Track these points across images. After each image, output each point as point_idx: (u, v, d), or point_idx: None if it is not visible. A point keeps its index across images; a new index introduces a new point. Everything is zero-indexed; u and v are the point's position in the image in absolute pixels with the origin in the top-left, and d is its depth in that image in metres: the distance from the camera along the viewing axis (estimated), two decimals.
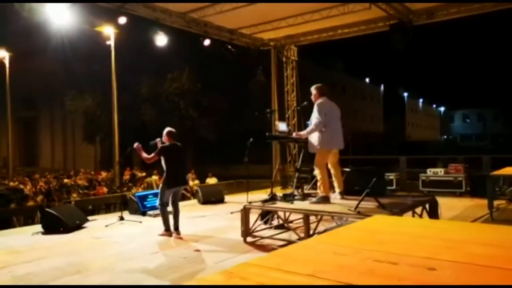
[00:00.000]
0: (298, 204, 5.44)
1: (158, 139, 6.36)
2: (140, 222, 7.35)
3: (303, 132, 5.69)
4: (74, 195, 14.05)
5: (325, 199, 5.42)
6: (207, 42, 11.53)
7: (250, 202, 5.69)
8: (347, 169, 6.31)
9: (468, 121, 76.70)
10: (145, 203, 8.19)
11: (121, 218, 7.39)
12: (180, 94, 23.78)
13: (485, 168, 9.81)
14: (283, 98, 14.08)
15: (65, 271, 4.56)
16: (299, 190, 6.32)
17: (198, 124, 23.83)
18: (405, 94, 66.29)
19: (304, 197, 6.09)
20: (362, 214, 4.50)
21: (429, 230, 2.32)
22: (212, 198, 9.53)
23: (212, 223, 7.18)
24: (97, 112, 25.66)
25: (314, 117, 5.51)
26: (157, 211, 7.89)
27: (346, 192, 5.94)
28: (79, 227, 6.90)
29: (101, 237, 6.28)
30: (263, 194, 10.19)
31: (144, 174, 21.63)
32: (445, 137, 74.73)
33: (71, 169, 25.26)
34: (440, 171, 9.96)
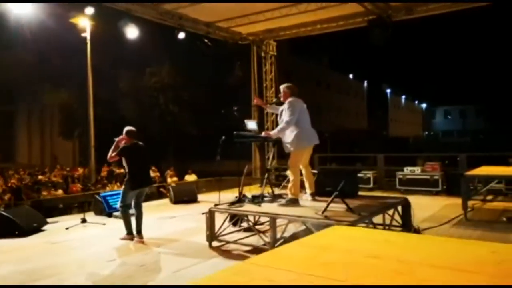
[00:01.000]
0: (265, 207, 5.17)
1: (121, 136, 6.00)
2: (104, 224, 6.98)
3: (273, 132, 5.42)
4: (45, 193, 13.51)
5: (294, 202, 5.17)
6: (181, 35, 11.13)
7: (216, 205, 5.38)
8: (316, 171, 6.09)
9: (450, 117, 77.75)
10: (111, 203, 7.81)
11: (83, 220, 7.01)
12: (160, 88, 23.24)
13: (462, 166, 9.71)
14: (262, 93, 13.79)
15: (9, 280, 4.20)
16: (270, 191, 6.05)
17: (179, 120, 23.34)
18: (388, 91, 66.74)
19: (274, 198, 5.83)
20: (329, 218, 4.25)
21: (385, 248, 2.07)
22: (184, 197, 9.19)
23: (180, 225, 6.86)
24: (73, 106, 24.90)
25: (286, 115, 5.24)
26: None
27: (318, 193, 5.71)
28: (37, 230, 6.50)
29: (59, 241, 5.90)
30: (233, 194, 9.92)
31: (122, 170, 21.10)
32: (426, 133, 75.71)
33: (48, 165, 24.52)
34: (417, 169, 9.83)
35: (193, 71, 21.62)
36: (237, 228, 5.90)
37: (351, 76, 54.47)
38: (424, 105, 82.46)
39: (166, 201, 9.72)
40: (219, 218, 5.39)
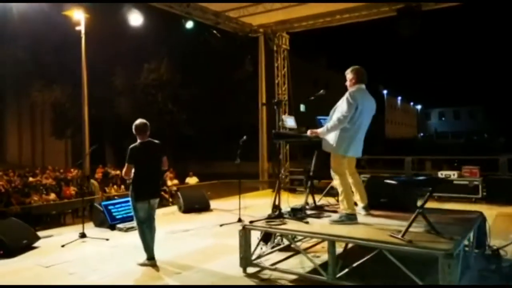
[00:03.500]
0: (316, 225, 4.14)
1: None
2: (107, 239, 5.89)
3: (321, 130, 4.36)
4: (36, 197, 12.33)
5: (351, 218, 4.14)
6: (189, 24, 10.07)
7: (252, 221, 4.33)
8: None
9: (444, 119, 77.69)
10: (114, 213, 6.72)
11: (83, 235, 5.91)
12: (158, 86, 22.06)
13: (503, 171, 8.78)
14: (272, 90, 12.77)
15: None
16: (309, 202, 5.03)
17: (177, 119, 22.16)
18: (385, 92, 66.30)
19: (318, 211, 4.81)
20: (415, 244, 3.23)
21: None
22: (195, 205, 8.12)
23: (198, 242, 5.78)
24: (66, 105, 23.65)
25: (341, 109, 4.19)
26: (129, 224, 6.51)
27: (370, 206, 4.72)
28: (26, 248, 5.39)
29: (54, 264, 4.80)
30: (256, 199, 8.89)
31: (118, 172, 19.92)
32: (422, 134, 75.46)
33: (40, 166, 23.26)
34: (453, 174, 8.87)
35: (194, 67, 20.52)
36: (270, 248, 4.86)
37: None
38: (419, 107, 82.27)
39: (173, 209, 8.62)
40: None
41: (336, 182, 4.22)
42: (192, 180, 17.35)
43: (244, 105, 18.52)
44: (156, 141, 4.84)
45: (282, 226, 4.14)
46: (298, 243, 5.07)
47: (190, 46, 17.78)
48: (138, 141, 4.74)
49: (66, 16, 18.33)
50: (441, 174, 9.00)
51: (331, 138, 4.20)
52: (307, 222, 4.21)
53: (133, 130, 4.75)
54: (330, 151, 4.26)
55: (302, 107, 31.65)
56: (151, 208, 4.79)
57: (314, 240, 5.16)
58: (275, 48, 12.23)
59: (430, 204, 4.20)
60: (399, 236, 3.41)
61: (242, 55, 12.46)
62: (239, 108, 20.00)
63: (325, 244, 5.18)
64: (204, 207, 8.20)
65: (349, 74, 4.40)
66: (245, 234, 4.22)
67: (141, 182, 4.64)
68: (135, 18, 9.50)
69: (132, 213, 4.78)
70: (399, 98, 71.97)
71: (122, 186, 17.02)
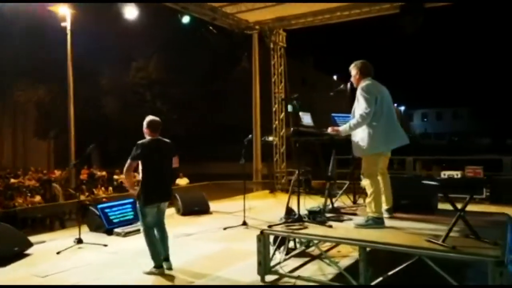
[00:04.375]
0: (340, 229, 3.85)
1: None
2: (105, 245, 5.49)
3: (343, 127, 4.08)
4: (20, 200, 11.72)
5: (378, 222, 3.87)
6: (186, 19, 9.70)
7: (270, 226, 4.01)
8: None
9: (426, 120, 78.91)
10: (111, 217, 6.31)
11: (79, 241, 5.49)
12: (147, 84, 21.48)
13: (506, 171, 8.69)
14: (268, 89, 12.48)
15: None
16: (324, 205, 4.74)
17: (168, 118, 21.59)
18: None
19: (336, 214, 4.53)
20: (460, 251, 2.97)
21: None
22: (195, 207, 7.76)
23: (203, 247, 5.43)
24: (51, 104, 22.83)
25: (360, 107, 3.94)
26: (128, 228, 6.14)
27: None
28: (18, 255, 4.96)
29: (51, 273, 4.39)
30: (254, 201, 8.59)
31: (104, 173, 19.30)
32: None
33: (21, 167, 22.39)
34: (456, 174, 8.73)
35: (186, 65, 20.05)
36: (285, 253, 4.55)
37: (335, 77, 53.98)
38: (402, 108, 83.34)
39: (171, 211, 8.19)
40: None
41: (365, 183, 3.94)
42: (182, 181, 16.91)
43: (238, 104, 18.20)
44: (167, 139, 4.48)
45: (304, 231, 3.84)
46: (311, 248, 4.84)
47: (181, 43, 17.37)
48: (148, 137, 4.38)
49: (51, 11, 17.67)
50: (444, 174, 8.86)
51: (361, 140, 3.93)
52: (330, 226, 3.92)
53: (145, 127, 4.38)
54: (363, 154, 3.98)
55: (290, 107, 31.49)
56: (161, 211, 4.44)
57: (328, 244, 4.91)
58: (271, 46, 11.95)
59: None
60: (439, 241, 3.15)
61: (238, 53, 12.08)
62: (233, 107, 19.65)
63: (341, 248, 4.96)
64: (204, 210, 7.84)
65: (352, 70, 4.21)
66: (264, 240, 3.90)
67: (152, 184, 4.27)
68: (124, 15, 9.11)
69: (139, 217, 4.39)
70: None
71: (110, 188, 16.48)
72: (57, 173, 19.84)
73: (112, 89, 22.15)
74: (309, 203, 4.72)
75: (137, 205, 4.36)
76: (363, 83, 4.04)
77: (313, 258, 4.66)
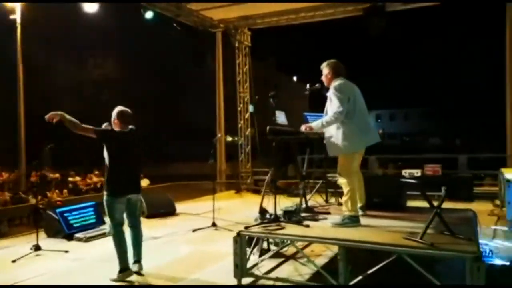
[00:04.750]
0: (317, 229, 3.83)
1: (104, 125, 4.34)
2: (66, 251, 5.15)
3: (316, 124, 4.08)
4: None
5: (354, 220, 3.88)
6: (149, 15, 9.38)
7: (246, 227, 3.91)
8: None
9: (380, 121, 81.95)
10: (71, 221, 5.95)
11: (37, 248, 5.11)
12: (105, 82, 20.63)
13: (462, 169, 9.12)
14: (234, 89, 12.37)
15: None
16: (299, 204, 4.71)
17: None
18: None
19: (311, 213, 4.52)
20: (437, 247, 3.02)
21: None
22: (160, 209, 7.50)
23: (173, 250, 5.24)
24: None
25: (333, 106, 3.95)
26: (90, 232, 5.82)
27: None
28: None
29: (8, 283, 4.04)
30: (221, 202, 8.47)
31: (57, 175, 18.29)
32: None
33: None
34: (416, 172, 9.03)
35: (146, 63, 19.46)
36: (259, 254, 4.47)
37: (295, 78, 54.78)
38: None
39: None
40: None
41: (342, 182, 3.94)
42: (142, 183, 16.34)
43: (201, 103, 17.92)
44: (134, 127, 4.27)
45: (282, 231, 3.77)
46: (284, 248, 4.79)
47: (142, 39, 16.83)
48: (116, 129, 4.16)
49: None
50: (405, 172, 9.13)
51: (337, 139, 3.93)
52: (307, 226, 3.88)
53: (115, 118, 4.18)
54: (339, 153, 3.97)
55: (251, 108, 31.50)
56: (133, 206, 4.21)
57: (300, 244, 4.89)
58: (236, 45, 11.85)
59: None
60: (417, 238, 3.19)
61: (202, 51, 11.86)
62: (196, 106, 19.31)
63: (314, 247, 4.95)
64: (170, 211, 7.61)
65: (324, 69, 4.20)
66: (240, 241, 3.79)
67: (119, 174, 4.05)
68: (82, 8, 8.69)
69: (106, 214, 4.14)
70: None
71: (65, 191, 15.65)
72: (5, 175, 18.58)
73: (66, 86, 21.08)
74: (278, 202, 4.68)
75: (104, 200, 4.10)
76: (336, 83, 4.04)
77: (287, 258, 4.62)
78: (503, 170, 7.43)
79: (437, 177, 8.30)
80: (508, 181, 5.80)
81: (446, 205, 5.66)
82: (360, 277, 3.30)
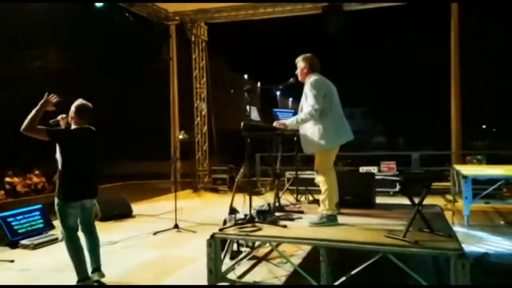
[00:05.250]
0: (296, 229, 3.68)
1: (61, 116, 3.90)
2: (12, 261, 4.60)
3: (290, 121, 3.94)
4: None
5: (332, 219, 3.79)
6: (99, 3, 8.76)
7: (221, 229, 3.67)
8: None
9: None
10: (15, 227, 5.35)
11: None
12: (46, 75, 19.13)
13: (415, 166, 9.48)
14: (189, 84, 11.97)
15: None
16: (273, 203, 4.54)
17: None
18: (278, 93, 69.23)
19: (285, 212, 4.38)
20: (422, 245, 2.99)
21: None
22: (115, 211, 7.01)
23: (134, 256, 4.86)
24: None
25: (308, 103, 3.82)
26: (38, 239, 5.29)
27: None
28: None
29: None
30: (179, 202, 8.21)
31: None
32: None
33: None
34: (373, 169, 9.26)
35: (93, 56, 18.29)
36: (233, 258, 4.26)
37: (246, 76, 54.84)
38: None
39: None
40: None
41: (319, 180, 3.82)
42: None
43: (152, 99, 17.24)
44: (93, 127, 3.87)
45: (260, 233, 3.59)
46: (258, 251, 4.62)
47: (88, 29, 15.75)
48: (74, 126, 3.74)
49: None
50: (363, 169, 9.33)
51: (313, 135, 3.81)
52: (285, 226, 3.73)
53: (73, 112, 3.75)
54: (315, 151, 3.85)
55: (203, 105, 30.96)
56: (87, 211, 3.82)
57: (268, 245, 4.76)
58: (192, 39, 11.46)
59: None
60: (400, 236, 3.15)
61: (155, 44, 11.34)
62: (146, 102, 18.57)
63: (285, 247, 4.82)
64: (125, 213, 7.14)
65: (300, 63, 4.06)
66: (215, 245, 3.55)
67: (74, 177, 3.65)
68: None
69: (59, 219, 3.71)
70: (291, 99, 76.06)
71: (2, 192, 14.33)
72: None
73: (1, 79, 19.33)
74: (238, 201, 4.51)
75: (56, 204, 3.68)
76: (311, 78, 3.92)
77: (259, 260, 4.45)
78: (456, 166, 7.81)
79: (394, 174, 8.56)
80: (464, 177, 6.04)
81: (400, 200, 5.84)
82: (343, 278, 3.20)
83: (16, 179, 14.98)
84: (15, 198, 12.40)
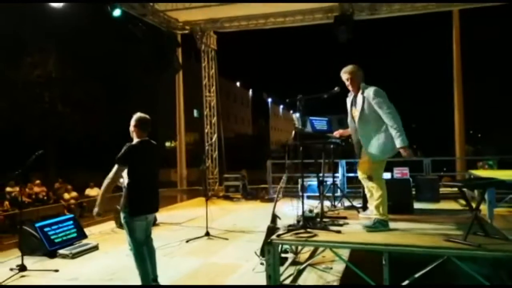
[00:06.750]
0: (351, 234, 3.79)
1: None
2: (56, 270, 4.60)
3: (401, 139, 3.79)
4: None
5: (385, 225, 3.92)
6: (117, 12, 8.82)
7: (279, 235, 3.75)
8: None
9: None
10: (52, 237, 5.34)
11: (22, 268, 4.51)
12: (45, 83, 18.95)
13: (427, 171, 9.69)
14: (196, 92, 12.04)
15: None
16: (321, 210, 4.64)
17: (72, 120, 19.22)
18: (269, 100, 69.88)
19: (329, 218, 4.49)
20: (485, 248, 3.13)
21: None
22: None
23: (176, 263, 4.90)
24: None
25: (382, 108, 3.84)
26: (74, 248, 5.30)
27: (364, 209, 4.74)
28: None
29: None
30: (194, 209, 8.28)
31: None
32: None
33: None
34: (387, 174, 9.43)
35: (92, 64, 18.15)
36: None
37: (238, 83, 55.16)
38: (297, 115, 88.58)
39: (108, 226, 7.29)
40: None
41: (372, 185, 3.94)
42: (93, 192, 15.40)
43: (154, 107, 17.22)
44: (153, 141, 3.93)
45: (319, 238, 3.69)
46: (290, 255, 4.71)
47: (89, 37, 15.68)
48: (136, 139, 3.79)
49: None
50: None
51: (377, 142, 3.89)
52: (339, 232, 3.83)
53: (133, 125, 3.80)
54: (382, 156, 3.93)
55: (196, 113, 30.82)
56: (149, 225, 3.88)
57: (307, 250, 4.88)
58: (202, 48, 11.56)
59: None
60: (459, 240, 3.29)
61: (163, 53, 11.36)
62: (150, 110, 18.44)
63: (326, 253, 4.91)
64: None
65: (352, 74, 4.11)
66: (274, 251, 3.64)
67: (141, 192, 3.70)
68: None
69: (126, 233, 3.76)
70: (281, 106, 76.58)
71: (7, 203, 14.10)
72: None
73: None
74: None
75: (122, 218, 3.73)
76: (371, 88, 3.94)
77: (302, 265, 4.54)
78: (472, 171, 8.03)
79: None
80: None
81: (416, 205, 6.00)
82: (407, 281, 3.31)
83: (17, 189, 14.80)
84: (19, 209, 12.25)
